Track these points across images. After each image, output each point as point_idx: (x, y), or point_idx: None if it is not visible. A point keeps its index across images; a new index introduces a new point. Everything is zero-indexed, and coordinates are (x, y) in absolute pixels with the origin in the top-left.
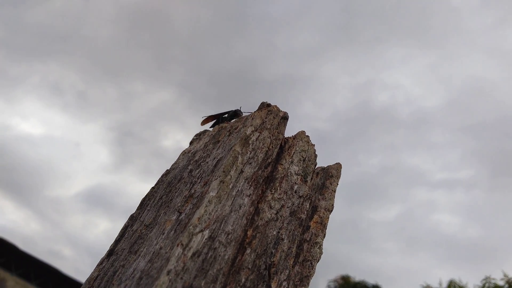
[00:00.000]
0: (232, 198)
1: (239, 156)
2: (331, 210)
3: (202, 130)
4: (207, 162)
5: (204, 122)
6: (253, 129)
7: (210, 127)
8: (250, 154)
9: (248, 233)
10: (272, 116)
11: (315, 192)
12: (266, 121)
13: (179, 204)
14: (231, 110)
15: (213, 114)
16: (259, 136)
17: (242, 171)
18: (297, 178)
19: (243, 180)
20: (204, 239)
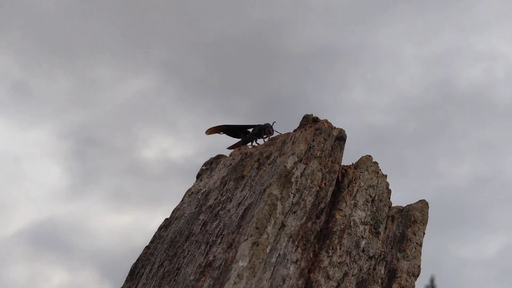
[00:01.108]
0: (272, 268)
1: (278, 202)
2: (418, 275)
3: (213, 156)
4: (229, 211)
5: (210, 131)
6: (296, 159)
7: (228, 148)
8: (293, 198)
9: None
10: (322, 138)
11: (392, 248)
12: (314, 146)
13: (191, 278)
14: (257, 125)
15: (224, 124)
16: (305, 169)
17: (283, 225)
18: (365, 229)
19: (286, 239)
20: None
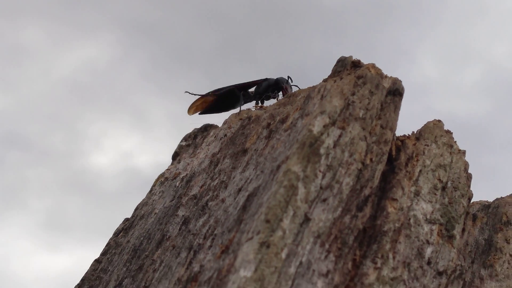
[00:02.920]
0: (290, 282)
1: (300, 184)
2: None
3: (197, 127)
4: (224, 201)
5: (195, 109)
6: (328, 120)
7: (200, 112)
8: (323, 179)
9: None
10: (367, 90)
11: (473, 262)
12: (354, 102)
13: None
14: (264, 80)
15: (216, 89)
16: (341, 136)
17: (307, 219)
18: (431, 230)
19: (312, 240)
20: None
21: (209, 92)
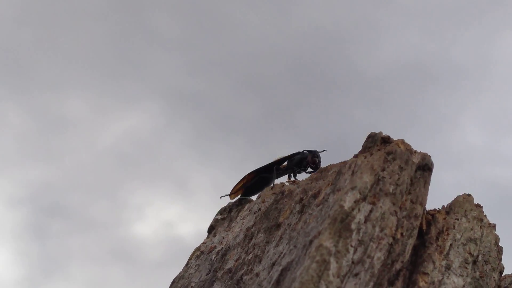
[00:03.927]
0: None
1: (332, 259)
2: None
3: (232, 201)
4: (258, 275)
5: (236, 193)
6: (359, 196)
7: (230, 194)
8: (354, 254)
9: None
10: (397, 166)
11: None
12: (385, 178)
13: None
14: (297, 153)
15: (249, 173)
16: (371, 211)
17: None
18: None
19: None
20: None
21: (248, 174)
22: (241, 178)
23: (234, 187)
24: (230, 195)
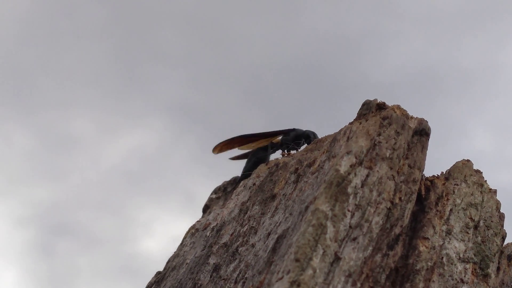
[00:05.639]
0: None
1: (329, 223)
2: None
3: (227, 180)
4: (253, 246)
5: (219, 149)
6: (354, 160)
7: (232, 158)
8: (352, 218)
9: None
10: (393, 130)
11: None
12: (381, 142)
13: None
14: (294, 129)
15: (239, 136)
16: (368, 176)
17: (337, 258)
18: (466, 269)
19: (343, 279)
20: None
21: (238, 136)
22: (230, 138)
23: (221, 143)
24: (213, 149)
